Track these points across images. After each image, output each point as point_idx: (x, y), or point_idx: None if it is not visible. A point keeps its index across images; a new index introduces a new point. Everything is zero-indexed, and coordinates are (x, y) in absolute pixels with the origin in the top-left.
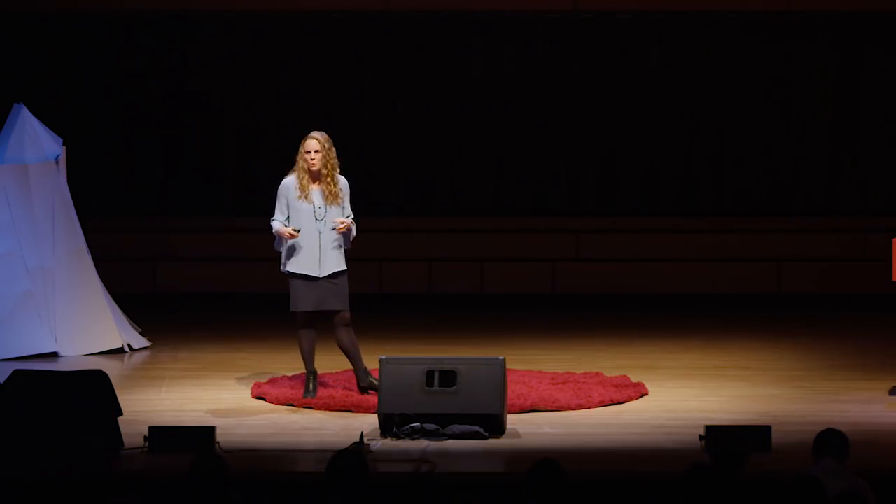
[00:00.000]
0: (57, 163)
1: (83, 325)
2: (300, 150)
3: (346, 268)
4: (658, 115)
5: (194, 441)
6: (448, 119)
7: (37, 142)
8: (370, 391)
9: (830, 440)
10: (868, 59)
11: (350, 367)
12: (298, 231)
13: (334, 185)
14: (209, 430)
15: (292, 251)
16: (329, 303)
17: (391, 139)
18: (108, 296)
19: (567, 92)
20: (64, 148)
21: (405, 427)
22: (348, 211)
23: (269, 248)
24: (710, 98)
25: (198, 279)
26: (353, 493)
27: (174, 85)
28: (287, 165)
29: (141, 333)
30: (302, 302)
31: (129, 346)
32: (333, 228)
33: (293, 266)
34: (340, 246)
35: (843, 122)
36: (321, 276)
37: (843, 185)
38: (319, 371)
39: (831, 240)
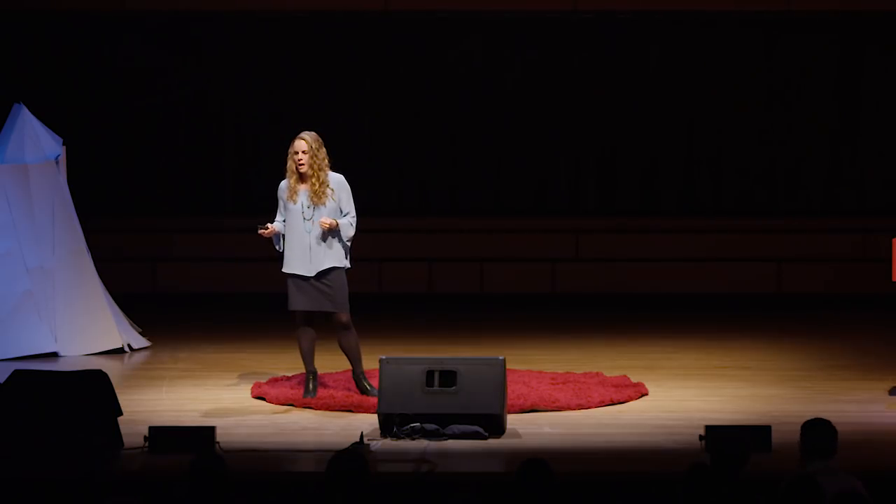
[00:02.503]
0: (57, 163)
1: (83, 325)
2: (289, 151)
3: (341, 264)
4: (658, 115)
5: (194, 441)
6: (448, 119)
7: (37, 142)
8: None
9: (817, 433)
10: (868, 59)
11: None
12: (265, 227)
13: (319, 185)
14: (209, 430)
15: (287, 252)
16: (324, 304)
17: (391, 139)
18: (108, 296)
19: (567, 92)
20: (64, 148)
21: (405, 427)
22: (347, 208)
23: (269, 249)
24: (710, 98)
25: (198, 279)
26: (353, 493)
27: (174, 85)
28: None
29: (141, 333)
30: (296, 301)
31: (129, 346)
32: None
33: (287, 267)
34: (334, 242)
35: (843, 122)
36: (311, 275)
37: (843, 185)
38: (319, 371)
39: (831, 240)
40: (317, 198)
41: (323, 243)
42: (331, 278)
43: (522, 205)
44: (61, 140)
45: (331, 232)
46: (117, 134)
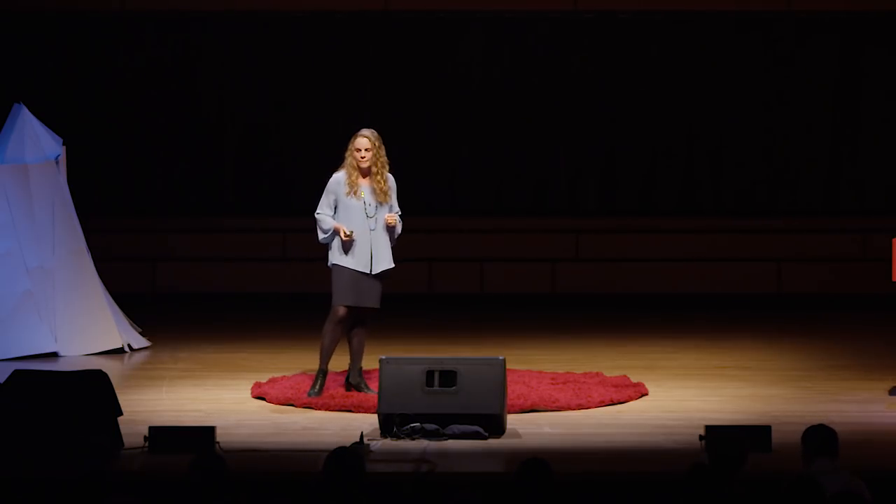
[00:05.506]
0: (57, 163)
1: (83, 325)
2: (350, 147)
3: (394, 265)
4: (658, 115)
5: (194, 441)
6: (448, 119)
7: (37, 142)
8: (355, 390)
9: (819, 437)
10: (868, 59)
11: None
12: (352, 233)
13: (384, 183)
14: (209, 430)
15: (345, 246)
16: (368, 300)
17: (391, 139)
18: (108, 296)
19: (567, 92)
20: (64, 148)
21: (405, 427)
22: (396, 208)
23: (269, 248)
24: (709, 98)
25: (198, 279)
26: (349, 491)
27: (174, 85)
28: (288, 165)
29: (141, 333)
30: (344, 296)
31: (129, 346)
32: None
33: (345, 261)
34: (389, 242)
35: (843, 122)
36: (373, 273)
37: (843, 185)
38: None
39: (831, 240)
40: (382, 195)
41: (383, 242)
42: (384, 278)
43: (522, 205)
44: (61, 140)
45: (389, 229)
46: (117, 134)
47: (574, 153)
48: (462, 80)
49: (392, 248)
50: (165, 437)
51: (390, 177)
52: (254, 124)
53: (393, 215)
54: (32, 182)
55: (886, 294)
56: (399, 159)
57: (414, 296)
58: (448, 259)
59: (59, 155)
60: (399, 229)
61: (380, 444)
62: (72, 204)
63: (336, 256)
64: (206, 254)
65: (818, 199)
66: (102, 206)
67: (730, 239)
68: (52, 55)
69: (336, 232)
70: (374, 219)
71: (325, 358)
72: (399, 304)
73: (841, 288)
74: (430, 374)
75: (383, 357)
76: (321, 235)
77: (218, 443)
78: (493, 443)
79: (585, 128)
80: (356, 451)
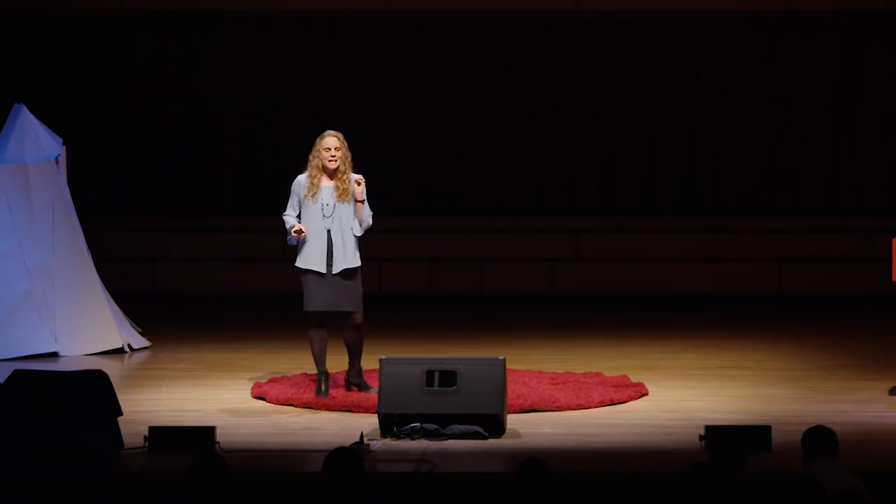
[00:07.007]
0: (57, 163)
1: (83, 325)
2: (316, 147)
3: (359, 264)
4: (658, 115)
5: (194, 441)
6: (448, 119)
7: (37, 142)
8: (355, 388)
9: (818, 438)
10: (868, 59)
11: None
12: (302, 232)
13: (347, 183)
14: (209, 430)
15: (303, 247)
16: (341, 304)
17: (391, 139)
18: (108, 296)
19: (567, 92)
20: (64, 148)
21: (405, 427)
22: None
23: (269, 248)
24: (710, 98)
25: (198, 279)
26: (349, 491)
27: (174, 85)
28: (287, 165)
29: (141, 333)
30: (313, 301)
31: (129, 346)
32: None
33: (303, 262)
34: (352, 241)
35: (843, 122)
36: (333, 273)
37: (843, 185)
38: None
39: (831, 240)
40: (345, 195)
41: (342, 242)
42: (351, 278)
43: (522, 205)
44: (61, 140)
45: (355, 220)
46: (117, 134)
47: (574, 153)
48: (462, 80)
49: (359, 246)
50: (165, 437)
51: (359, 177)
52: (254, 124)
53: (361, 182)
54: (32, 182)
55: (886, 294)
56: (399, 159)
57: (414, 296)
58: (448, 259)
59: (58, 155)
60: (370, 221)
61: (380, 444)
62: (72, 204)
63: (297, 258)
64: (206, 254)
65: (818, 199)
66: (102, 206)
67: (730, 239)
68: (52, 55)
69: (291, 228)
70: (331, 218)
71: (319, 362)
72: (399, 304)
73: (841, 288)
74: (430, 374)
75: (383, 357)
76: (287, 237)
77: (218, 443)
78: (493, 443)
79: (585, 128)
80: (356, 451)
